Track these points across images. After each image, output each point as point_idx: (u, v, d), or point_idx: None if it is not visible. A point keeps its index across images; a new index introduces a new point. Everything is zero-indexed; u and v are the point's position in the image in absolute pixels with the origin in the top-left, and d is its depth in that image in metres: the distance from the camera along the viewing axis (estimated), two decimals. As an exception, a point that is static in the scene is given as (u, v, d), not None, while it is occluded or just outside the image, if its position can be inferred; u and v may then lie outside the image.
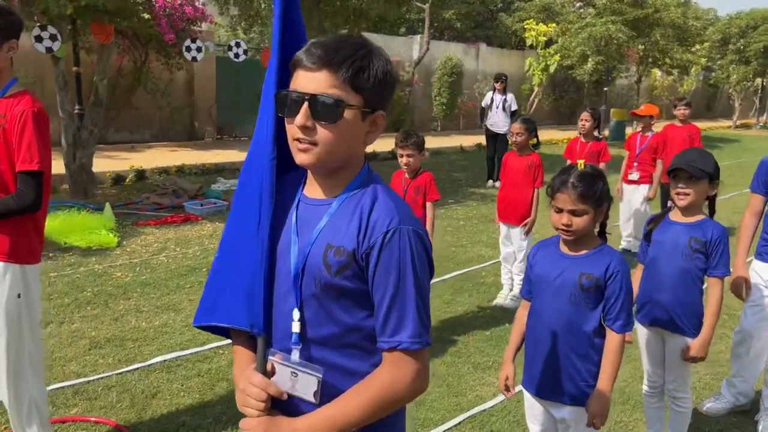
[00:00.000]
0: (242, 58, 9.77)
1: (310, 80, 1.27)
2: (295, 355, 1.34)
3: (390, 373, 1.29)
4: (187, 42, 9.18)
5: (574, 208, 2.17)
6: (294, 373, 1.32)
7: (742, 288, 3.28)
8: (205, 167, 10.85)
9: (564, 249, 2.29)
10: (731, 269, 2.87)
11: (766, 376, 3.36)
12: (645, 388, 3.07)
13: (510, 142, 5.02)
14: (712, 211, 2.88)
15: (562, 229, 2.21)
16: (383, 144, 13.50)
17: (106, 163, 10.62)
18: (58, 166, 8.76)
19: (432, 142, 17.14)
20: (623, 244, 6.79)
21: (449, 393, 3.64)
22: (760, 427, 3.30)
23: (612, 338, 2.20)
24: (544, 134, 18.92)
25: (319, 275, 1.31)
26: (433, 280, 4.94)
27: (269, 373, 1.34)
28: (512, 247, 5.12)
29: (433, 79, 19.83)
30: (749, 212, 3.38)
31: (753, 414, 3.48)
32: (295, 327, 1.33)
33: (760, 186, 3.33)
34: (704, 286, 2.83)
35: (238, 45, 9.78)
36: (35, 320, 2.61)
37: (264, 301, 1.35)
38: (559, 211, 2.21)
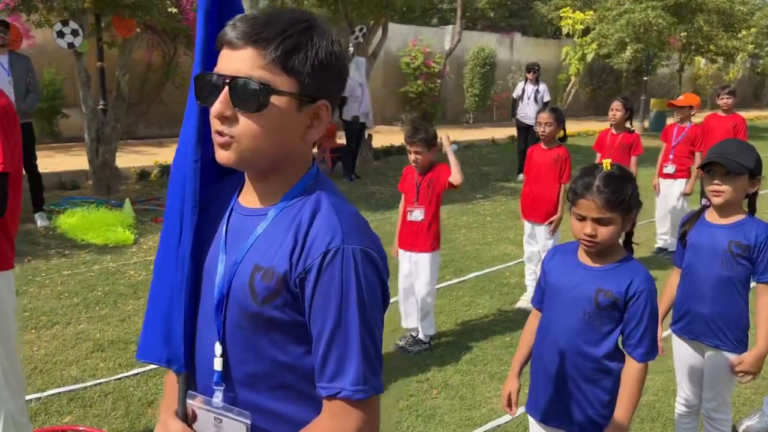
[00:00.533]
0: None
1: (232, 60, 1.04)
2: (218, 398, 1.11)
3: (329, 426, 1.05)
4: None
5: (600, 216, 1.88)
6: (218, 418, 1.09)
7: None
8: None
9: (583, 258, 2.02)
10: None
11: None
12: (679, 407, 2.76)
13: (538, 134, 4.71)
14: (752, 210, 2.55)
15: (586, 241, 1.93)
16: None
17: (133, 159, 10.62)
18: (82, 162, 8.83)
19: (463, 135, 16.86)
20: (659, 243, 6.39)
21: (462, 406, 3.39)
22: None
23: (632, 367, 1.91)
24: (581, 126, 18.35)
25: (244, 303, 1.07)
26: (454, 281, 4.65)
27: (190, 419, 1.12)
28: (537, 246, 4.82)
29: (465, 71, 19.39)
30: None
31: (800, 436, 3.13)
32: (217, 364, 1.10)
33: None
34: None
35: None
36: (7, 333, 2.44)
37: (185, 333, 1.13)
38: (582, 219, 1.92)
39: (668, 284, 2.71)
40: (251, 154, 1.06)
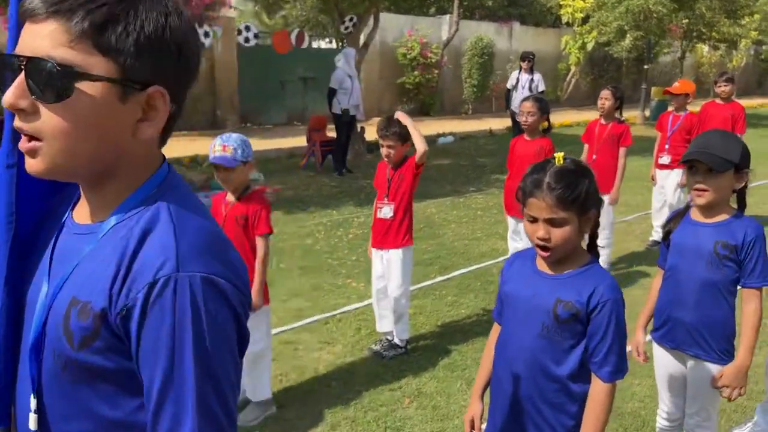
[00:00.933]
0: (253, 42, 9.39)
1: (32, 37, 0.82)
2: (35, 464, 0.89)
3: None
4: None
5: (552, 217, 1.66)
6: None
7: None
8: (224, 157, 10.51)
9: (541, 265, 1.79)
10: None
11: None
12: (661, 421, 2.55)
13: (521, 123, 4.48)
14: (742, 207, 2.32)
15: (539, 245, 1.71)
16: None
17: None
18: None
19: (461, 125, 16.61)
20: (654, 236, 6.16)
21: (434, 416, 3.18)
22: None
23: (597, 387, 1.69)
24: (582, 115, 18.02)
25: (59, 346, 0.85)
26: (438, 279, 4.39)
27: None
28: (522, 242, 4.59)
29: (463, 61, 19.11)
30: None
31: (795, 447, 2.90)
32: (32, 422, 0.88)
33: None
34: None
35: (248, 29, 9.41)
36: None
37: (2, 380, 0.92)
38: (534, 220, 1.70)
39: (652, 287, 2.49)
40: (65, 158, 0.83)
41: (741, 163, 2.20)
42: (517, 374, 1.76)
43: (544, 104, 4.40)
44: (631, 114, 18.13)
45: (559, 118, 17.79)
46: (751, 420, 3.03)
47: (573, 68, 21.46)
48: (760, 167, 2.82)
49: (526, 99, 4.54)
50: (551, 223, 1.66)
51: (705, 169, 2.17)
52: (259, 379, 3.13)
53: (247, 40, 9.33)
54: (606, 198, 5.28)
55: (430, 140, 13.67)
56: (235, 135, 2.99)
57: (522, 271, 1.83)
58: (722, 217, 2.24)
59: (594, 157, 5.26)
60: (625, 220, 7.00)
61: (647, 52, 17.74)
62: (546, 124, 4.42)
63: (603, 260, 5.41)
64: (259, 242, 3.02)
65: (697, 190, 2.21)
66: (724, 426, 3.11)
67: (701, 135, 2.39)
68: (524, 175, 1.73)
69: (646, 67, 18.02)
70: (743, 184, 2.25)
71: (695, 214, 2.30)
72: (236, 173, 2.96)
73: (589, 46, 19.12)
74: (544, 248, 1.69)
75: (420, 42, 17.55)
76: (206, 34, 8.99)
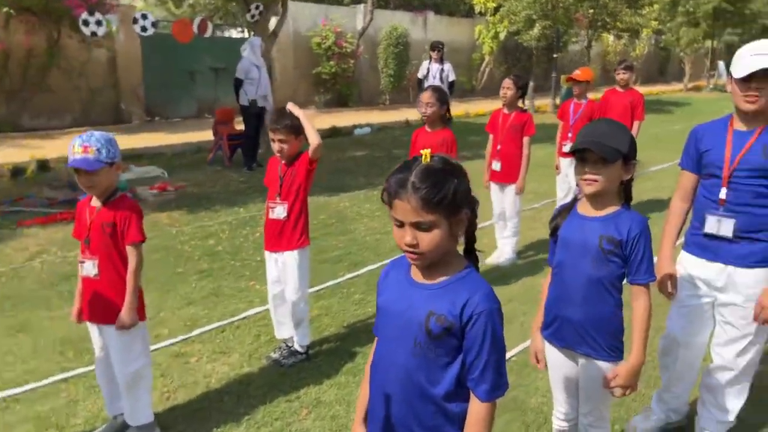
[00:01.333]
0: (151, 31, 8.83)
1: None
2: None
3: None
4: (84, 15, 8.21)
5: (419, 220, 1.49)
6: None
7: (667, 286, 2.69)
8: (134, 151, 9.88)
9: (415, 274, 1.63)
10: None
11: (701, 392, 2.80)
12: (557, 422, 2.46)
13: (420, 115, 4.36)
14: (628, 199, 2.25)
15: (408, 251, 1.55)
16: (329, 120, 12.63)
17: (13, 154, 9.63)
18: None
19: (379, 116, 16.47)
20: (561, 224, 6.22)
21: (333, 427, 2.99)
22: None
23: (475, 407, 1.55)
24: (497, 104, 18.32)
25: None
26: (347, 276, 4.14)
27: None
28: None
29: (378, 51, 18.97)
30: (678, 195, 2.77)
31: (689, 433, 2.93)
32: None
33: (690, 162, 2.72)
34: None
35: (144, 17, 8.83)
36: None
37: None
38: (400, 224, 1.54)
39: (543, 284, 2.40)
40: None
41: (629, 154, 2.13)
42: (390, 396, 1.59)
43: (442, 95, 4.29)
44: (542, 102, 18.65)
45: (474, 107, 18.01)
46: (648, 410, 3.03)
47: (487, 58, 21.82)
48: (661, 152, 2.80)
49: (425, 90, 4.41)
50: (418, 227, 1.49)
51: (595, 159, 2.08)
52: (137, 402, 2.84)
53: (144, 29, 8.76)
54: (512, 187, 5.26)
55: (347, 131, 13.53)
56: (98, 134, 2.66)
57: (397, 282, 1.66)
58: (609, 210, 2.17)
59: (498, 147, 5.22)
60: (533, 208, 7.07)
61: (556, 42, 18.23)
62: (447, 113, 4.32)
63: (510, 249, 5.40)
64: (130, 252, 2.72)
65: (586, 179, 2.12)
66: (623, 416, 3.10)
67: (589, 124, 2.31)
68: (389, 174, 1.56)
69: (555, 56, 18.53)
70: (630, 176, 2.18)
71: (582, 208, 2.22)
72: (100, 177, 2.64)
73: (502, 36, 19.46)
74: (413, 255, 1.53)
75: (335, 31, 17.27)
76: (98, 23, 8.38)
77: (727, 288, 2.59)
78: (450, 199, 1.48)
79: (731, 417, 2.74)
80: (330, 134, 12.94)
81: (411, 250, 1.51)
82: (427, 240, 1.49)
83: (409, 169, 1.51)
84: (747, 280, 2.53)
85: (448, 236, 1.52)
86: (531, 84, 18.68)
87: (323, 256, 5.48)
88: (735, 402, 2.72)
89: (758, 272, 2.52)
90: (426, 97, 4.23)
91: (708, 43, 26.94)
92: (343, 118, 14.93)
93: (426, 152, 1.53)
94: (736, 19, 24.63)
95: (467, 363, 1.54)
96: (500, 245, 5.50)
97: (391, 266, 1.74)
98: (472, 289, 1.53)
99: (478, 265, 1.66)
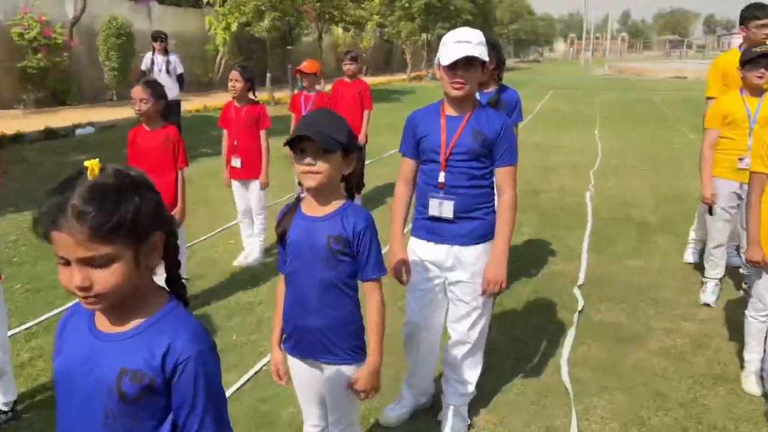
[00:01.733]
0: None
1: None
2: None
3: None
4: None
5: (90, 255, 1.15)
6: None
7: (401, 272, 2.71)
8: None
9: (101, 323, 1.29)
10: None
11: (444, 369, 2.91)
12: (308, 433, 2.32)
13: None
14: (351, 195, 2.15)
15: (81, 297, 1.20)
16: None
17: None
18: None
19: (105, 114, 14.84)
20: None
21: None
22: (446, 429, 2.85)
23: None
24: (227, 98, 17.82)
25: None
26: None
27: None
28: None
29: (98, 42, 17.10)
30: (401, 181, 2.80)
31: (437, 412, 3.02)
32: None
33: (409, 148, 2.76)
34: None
35: None
36: None
37: None
38: (66, 263, 1.18)
39: (277, 294, 2.20)
40: None
41: (350, 146, 2.02)
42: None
43: (156, 89, 3.85)
44: (283, 94, 18.70)
45: (212, 100, 17.32)
46: (399, 398, 3.06)
47: (221, 49, 21.12)
48: (396, 138, 2.80)
49: (135, 85, 3.92)
50: (89, 263, 1.16)
51: (315, 149, 1.92)
52: None
53: None
54: (256, 183, 5.02)
55: (67, 133, 11.91)
56: None
57: (77, 334, 1.29)
58: (333, 206, 2.03)
59: (236, 142, 4.93)
60: (279, 201, 6.93)
61: (288, 33, 18.37)
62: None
63: (258, 249, 5.17)
64: None
65: (306, 171, 1.95)
66: (377, 406, 3.09)
67: (306, 115, 2.15)
68: (44, 196, 1.19)
69: (289, 48, 18.68)
70: (351, 171, 2.07)
71: (307, 208, 2.06)
72: None
73: (233, 27, 18.97)
74: (89, 300, 1.19)
75: (39, 20, 15.05)
76: None
77: (454, 267, 2.70)
78: (130, 224, 1.17)
79: (471, 388, 2.90)
80: (44, 137, 11.30)
81: (84, 294, 1.17)
82: (104, 279, 1.17)
83: (72, 188, 1.16)
84: (470, 258, 2.66)
85: (134, 270, 1.20)
86: (268, 76, 18.66)
87: (35, 284, 4.64)
88: (472, 373, 2.88)
89: (478, 248, 2.67)
90: (138, 92, 3.77)
91: (424, 36, 29.78)
92: (61, 118, 13.18)
93: (93, 163, 1.19)
94: (444, 13, 27.59)
95: (179, 422, 1.25)
96: (247, 245, 5.25)
97: (71, 312, 1.36)
98: (173, 332, 1.24)
99: (185, 294, 1.38)
